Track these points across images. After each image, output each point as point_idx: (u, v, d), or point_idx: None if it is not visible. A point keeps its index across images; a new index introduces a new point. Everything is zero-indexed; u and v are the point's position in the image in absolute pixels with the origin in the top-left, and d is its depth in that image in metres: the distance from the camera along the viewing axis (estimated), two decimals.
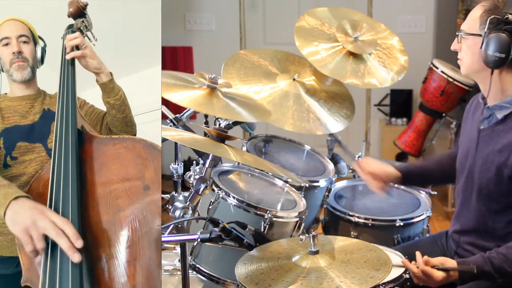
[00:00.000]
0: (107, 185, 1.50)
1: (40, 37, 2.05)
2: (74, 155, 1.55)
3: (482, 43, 1.72)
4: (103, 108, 1.99)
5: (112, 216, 1.45)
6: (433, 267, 1.71)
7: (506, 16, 1.69)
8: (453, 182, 2.04)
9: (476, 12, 1.77)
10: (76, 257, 1.34)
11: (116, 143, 1.58)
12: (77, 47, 1.82)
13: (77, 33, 1.85)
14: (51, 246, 1.38)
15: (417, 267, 1.71)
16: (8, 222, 1.42)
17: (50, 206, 1.44)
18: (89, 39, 1.96)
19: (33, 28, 2.02)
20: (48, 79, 2.00)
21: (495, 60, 1.70)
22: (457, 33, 1.82)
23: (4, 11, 2.11)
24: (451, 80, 3.74)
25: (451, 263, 1.72)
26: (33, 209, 1.41)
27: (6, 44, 1.93)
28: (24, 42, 1.95)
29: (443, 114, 3.92)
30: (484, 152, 1.81)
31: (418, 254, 1.74)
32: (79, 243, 1.35)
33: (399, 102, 4.43)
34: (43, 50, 2.02)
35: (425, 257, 1.72)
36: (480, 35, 1.73)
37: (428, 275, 1.70)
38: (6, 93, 1.99)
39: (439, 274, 1.70)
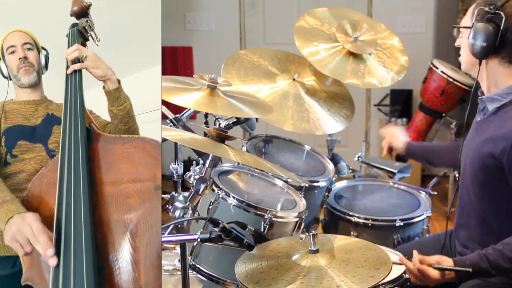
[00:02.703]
0: (117, 184, 1.50)
1: (43, 48, 2.12)
2: (84, 152, 1.55)
3: (469, 35, 1.76)
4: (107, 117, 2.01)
5: (122, 215, 1.45)
6: (429, 265, 1.71)
7: (491, 7, 1.72)
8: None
9: (471, 7, 1.81)
10: (51, 261, 1.36)
11: (125, 142, 1.58)
12: (78, 59, 1.85)
13: (76, 46, 1.87)
14: (64, 245, 1.38)
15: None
16: (4, 235, 1.48)
17: (60, 205, 1.44)
18: (92, 39, 1.98)
19: (36, 38, 2.10)
20: (56, 85, 2.03)
21: (479, 49, 1.73)
22: (453, 26, 1.86)
23: (9, 17, 2.16)
24: (451, 80, 3.74)
25: (447, 261, 1.72)
26: (18, 219, 1.46)
27: (13, 52, 2.03)
28: (29, 49, 2.04)
29: (443, 114, 3.92)
30: (474, 143, 1.83)
31: (414, 252, 1.75)
32: (50, 252, 1.36)
33: (399, 102, 4.43)
34: (47, 57, 2.10)
35: (421, 256, 1.73)
36: (470, 27, 1.77)
37: (424, 274, 1.70)
38: (12, 99, 2.06)
39: (435, 273, 1.70)
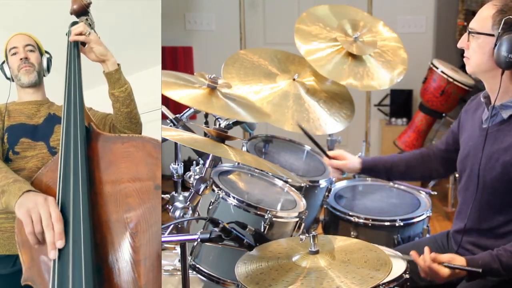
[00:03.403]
0: (117, 184, 1.49)
1: (46, 51, 2.15)
2: (83, 152, 1.54)
3: (496, 44, 1.71)
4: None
5: (122, 215, 1.45)
6: (441, 263, 1.71)
7: None
8: (416, 180, 2.23)
9: (488, 11, 1.75)
10: (52, 254, 1.35)
11: (125, 141, 1.57)
12: (81, 35, 1.87)
13: (81, 23, 1.90)
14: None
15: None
16: (16, 208, 1.46)
17: (58, 204, 1.44)
18: None
19: (39, 41, 2.13)
20: (57, 86, 2.03)
21: (508, 61, 1.70)
22: (468, 31, 1.80)
23: (10, 17, 2.18)
24: (451, 80, 3.74)
25: (459, 260, 1.72)
26: (40, 196, 1.45)
27: (15, 53, 2.06)
28: (30, 50, 2.07)
29: (443, 114, 3.92)
30: (488, 150, 1.81)
31: (426, 249, 1.76)
32: (60, 243, 1.35)
33: (399, 102, 4.43)
34: (49, 60, 2.13)
35: (433, 254, 1.73)
36: (492, 35, 1.73)
37: (434, 272, 1.71)
38: (15, 101, 2.08)
39: (445, 271, 1.71)
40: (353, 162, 2.28)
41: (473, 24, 1.79)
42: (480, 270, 1.67)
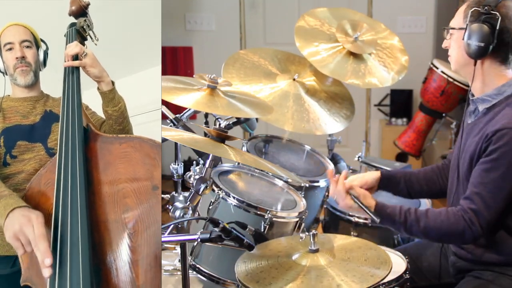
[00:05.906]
0: (114, 184, 1.50)
1: (42, 40, 2.07)
2: (81, 153, 1.54)
3: (464, 35, 1.77)
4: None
5: (120, 215, 1.45)
6: (349, 192, 1.82)
7: (485, 8, 1.73)
8: (435, 196, 2.11)
9: (461, 8, 1.82)
10: (45, 272, 1.33)
11: (123, 142, 1.57)
12: (77, 56, 1.83)
13: (76, 42, 1.85)
14: (60, 245, 1.38)
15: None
16: (4, 231, 1.45)
17: (57, 205, 1.44)
18: (91, 38, 1.97)
19: (35, 32, 2.04)
20: (52, 81, 2.01)
21: (476, 49, 1.74)
22: (443, 28, 1.87)
23: (7, 15, 2.13)
24: (451, 80, 3.74)
25: (370, 200, 1.80)
26: (23, 216, 1.43)
27: (10, 49, 1.97)
28: (27, 47, 1.98)
29: (443, 114, 3.92)
30: (465, 144, 1.83)
31: (343, 172, 1.89)
32: (47, 261, 1.33)
33: (399, 102, 4.43)
34: (46, 53, 2.06)
35: (349, 183, 1.85)
36: (463, 28, 1.78)
37: (340, 197, 1.82)
38: (9, 95, 2.02)
39: (349, 202, 1.82)
40: (369, 174, 2.06)
41: (451, 23, 1.86)
42: (378, 220, 1.75)
